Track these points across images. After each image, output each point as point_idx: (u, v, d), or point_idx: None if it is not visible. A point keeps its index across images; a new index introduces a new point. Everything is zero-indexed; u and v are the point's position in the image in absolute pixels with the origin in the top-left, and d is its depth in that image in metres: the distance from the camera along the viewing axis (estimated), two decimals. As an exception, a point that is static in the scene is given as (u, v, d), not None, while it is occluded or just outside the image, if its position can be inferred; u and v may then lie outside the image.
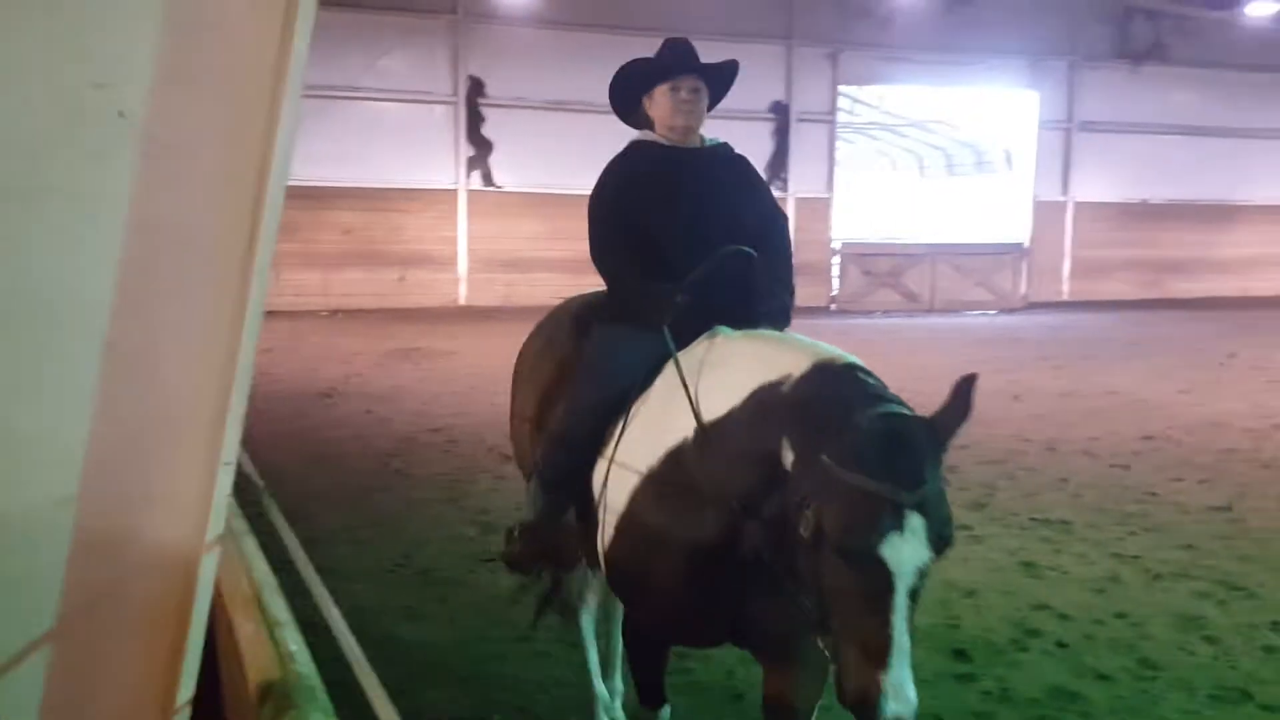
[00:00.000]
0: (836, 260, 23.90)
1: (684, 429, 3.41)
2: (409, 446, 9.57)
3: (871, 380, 3.01)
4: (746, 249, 3.75)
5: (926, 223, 32.01)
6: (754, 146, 21.63)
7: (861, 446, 2.72)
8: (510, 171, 22.19)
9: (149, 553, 2.13)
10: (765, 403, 3.17)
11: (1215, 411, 11.38)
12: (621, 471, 3.56)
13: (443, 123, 21.86)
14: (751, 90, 21.08)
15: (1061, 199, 25.77)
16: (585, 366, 3.97)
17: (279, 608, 2.55)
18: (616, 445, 3.64)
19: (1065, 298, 25.51)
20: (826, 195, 23.62)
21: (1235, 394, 12.51)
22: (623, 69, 4.15)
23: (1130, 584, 6.30)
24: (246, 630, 2.42)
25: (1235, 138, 26.43)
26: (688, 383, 3.44)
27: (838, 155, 24.10)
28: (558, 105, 21.98)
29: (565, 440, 3.86)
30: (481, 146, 22.09)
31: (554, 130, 21.95)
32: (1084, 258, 25.85)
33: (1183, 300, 25.32)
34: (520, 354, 4.90)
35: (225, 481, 2.16)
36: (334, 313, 20.43)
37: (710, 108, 4.10)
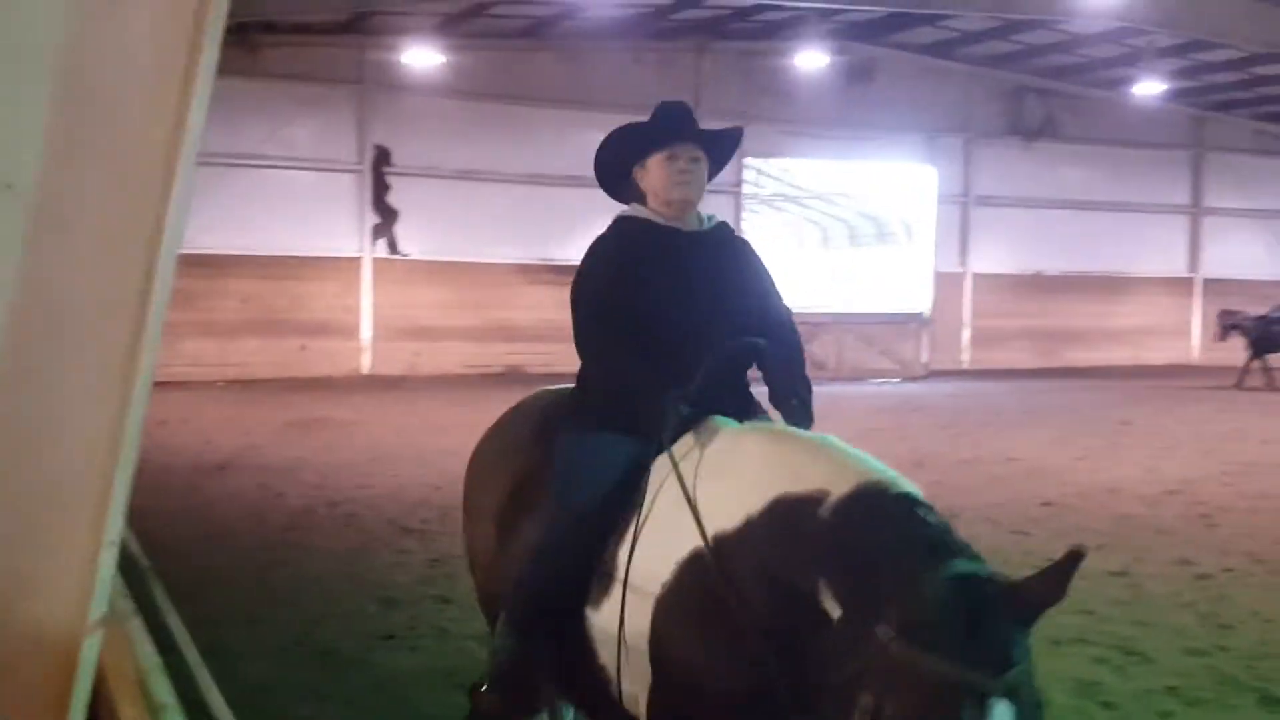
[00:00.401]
0: (743, 329, 24.08)
1: (692, 542, 2.97)
2: (307, 521, 9.37)
3: (933, 519, 2.56)
4: (756, 340, 3.39)
5: (831, 293, 32.50)
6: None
7: (934, 620, 2.25)
8: (416, 240, 22.13)
9: (29, 635, 2.06)
10: (795, 525, 2.71)
11: (1111, 478, 11.62)
12: (638, 598, 3.05)
13: (348, 191, 21.77)
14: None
15: (960, 270, 26.37)
16: (564, 475, 3.48)
17: (164, 691, 2.47)
18: (629, 570, 3.11)
19: (965, 366, 26.02)
20: (732, 266, 23.83)
21: (1130, 460, 12.80)
22: (612, 135, 3.73)
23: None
24: (130, 715, 2.33)
25: (1124, 211, 27.36)
26: (688, 491, 3.01)
27: (744, 226, 24.45)
28: (465, 174, 22.03)
29: (546, 562, 3.35)
30: (387, 215, 22.01)
31: (461, 199, 21.99)
32: (983, 327, 26.45)
33: (1077, 369, 25.95)
34: (474, 456, 4.26)
35: (109, 561, 2.09)
36: (230, 383, 20.05)
37: (709, 178, 3.68)
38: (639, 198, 3.68)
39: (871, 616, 2.35)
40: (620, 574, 3.13)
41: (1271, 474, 12.02)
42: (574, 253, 17.73)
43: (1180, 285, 28.30)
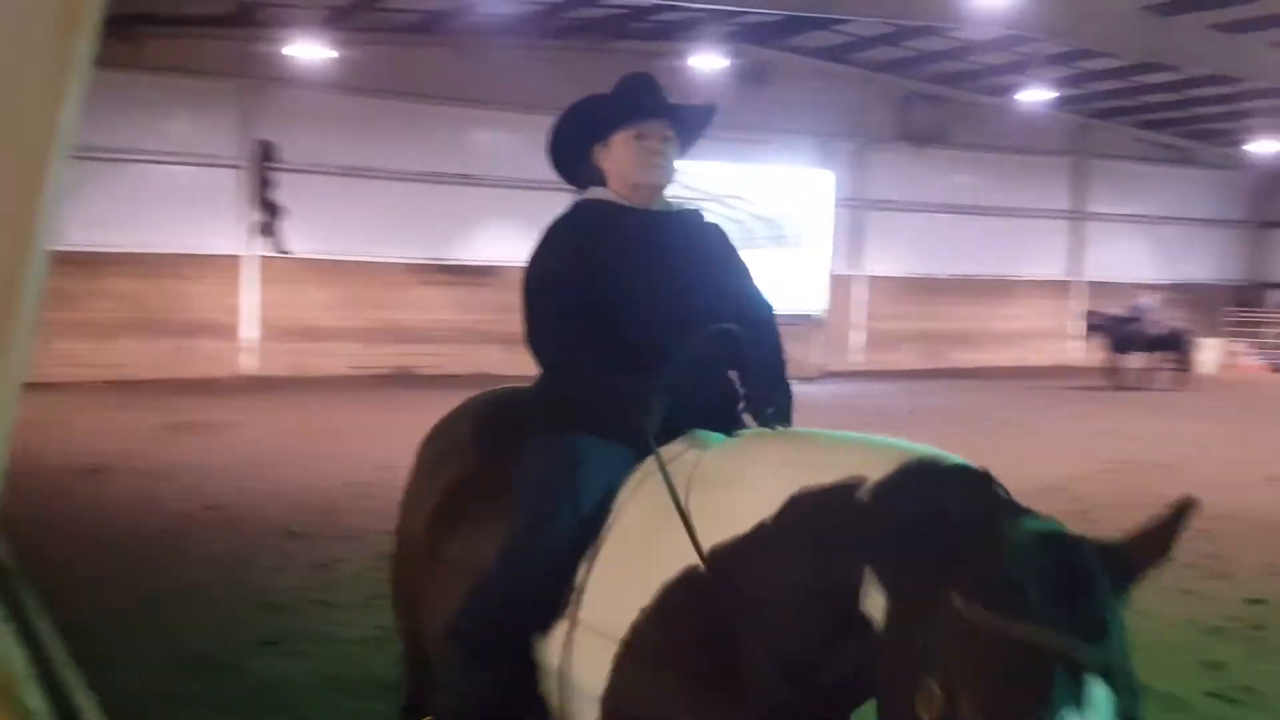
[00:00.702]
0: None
1: (682, 560, 2.58)
2: (186, 525, 9.09)
3: (1000, 488, 2.24)
4: (730, 326, 3.05)
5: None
6: (551, 215, 21.68)
7: (1019, 578, 1.92)
8: (302, 238, 21.65)
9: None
10: (825, 517, 2.38)
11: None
12: (591, 638, 2.70)
13: (230, 187, 21.22)
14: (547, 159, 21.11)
15: (854, 273, 26.73)
16: (527, 489, 3.04)
17: (34, 697, 2.36)
18: (581, 600, 2.77)
19: (859, 368, 26.35)
20: (627, 266, 23.85)
21: (1010, 459, 13.04)
22: (571, 110, 3.31)
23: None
24: (-2, 722, 2.22)
25: (1010, 216, 28.00)
26: (678, 498, 2.61)
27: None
28: (354, 171, 21.66)
29: (503, 593, 2.93)
30: (272, 212, 21.52)
31: (349, 196, 21.61)
32: (875, 329, 26.82)
33: (965, 370, 26.46)
34: (416, 462, 3.83)
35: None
36: (106, 384, 19.41)
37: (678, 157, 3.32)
38: (598, 181, 3.30)
39: (936, 586, 2.00)
40: (573, 604, 2.80)
41: (1146, 471, 12.37)
42: (466, 253, 17.72)
43: (1063, 288, 29.04)
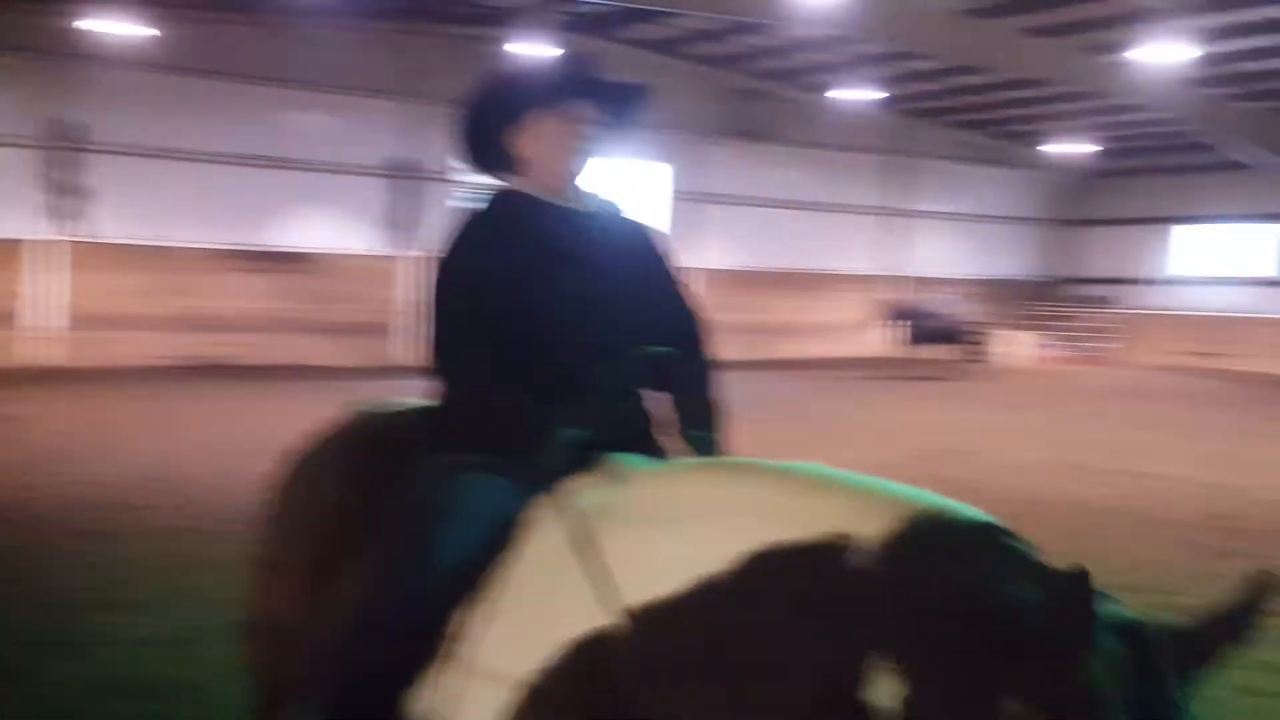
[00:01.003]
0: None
1: (594, 616, 2.24)
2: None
3: (1040, 556, 1.96)
4: (662, 349, 2.78)
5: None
6: (367, 201, 21.66)
7: (1094, 682, 1.68)
8: (108, 221, 20.64)
9: None
10: (805, 582, 2.00)
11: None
12: (485, 686, 2.36)
13: (27, 167, 20.09)
14: (365, 144, 20.90)
15: (692, 265, 26.93)
16: (409, 525, 2.70)
17: None
18: (466, 642, 2.45)
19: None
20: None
21: (812, 448, 13.26)
22: (485, 86, 2.98)
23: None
24: None
25: (835, 212, 28.77)
26: (585, 539, 2.31)
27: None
28: (162, 153, 20.76)
29: (374, 635, 2.58)
30: (72, 194, 20.44)
31: (158, 179, 20.70)
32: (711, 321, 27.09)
33: (786, 361, 26.96)
34: (280, 490, 3.31)
35: None
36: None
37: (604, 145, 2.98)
38: (509, 168, 2.94)
39: (986, 687, 1.73)
40: (465, 653, 2.46)
41: (951, 458, 12.72)
42: (281, 239, 17.13)
43: (885, 283, 29.81)
